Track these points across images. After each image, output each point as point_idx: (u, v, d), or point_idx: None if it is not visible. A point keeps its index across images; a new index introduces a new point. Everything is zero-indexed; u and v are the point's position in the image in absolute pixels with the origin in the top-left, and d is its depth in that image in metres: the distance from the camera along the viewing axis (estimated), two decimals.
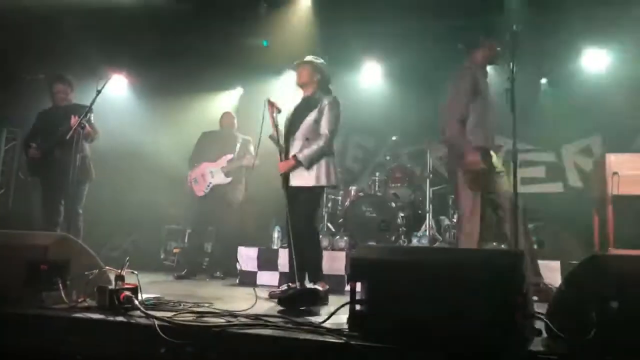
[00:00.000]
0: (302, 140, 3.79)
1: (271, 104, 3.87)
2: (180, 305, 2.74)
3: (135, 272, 2.64)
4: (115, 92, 6.87)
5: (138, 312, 2.38)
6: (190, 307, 2.71)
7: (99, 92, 4.15)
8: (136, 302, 2.45)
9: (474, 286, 1.96)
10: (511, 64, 3.32)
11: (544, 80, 6.87)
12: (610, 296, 1.86)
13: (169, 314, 2.39)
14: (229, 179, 5.35)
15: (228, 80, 7.24)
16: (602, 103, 5.91)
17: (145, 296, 2.68)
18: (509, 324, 1.87)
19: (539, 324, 2.05)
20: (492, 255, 2.09)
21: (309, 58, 4.00)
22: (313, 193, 3.81)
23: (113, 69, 5.10)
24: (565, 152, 6.89)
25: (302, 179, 3.77)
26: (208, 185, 5.35)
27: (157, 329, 2.14)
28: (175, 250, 6.48)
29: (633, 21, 5.34)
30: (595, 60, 6.28)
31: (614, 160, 4.48)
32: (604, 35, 5.96)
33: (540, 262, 4.22)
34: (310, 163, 3.76)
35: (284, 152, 3.85)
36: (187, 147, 5.75)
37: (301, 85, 3.99)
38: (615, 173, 4.39)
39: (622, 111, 5.18)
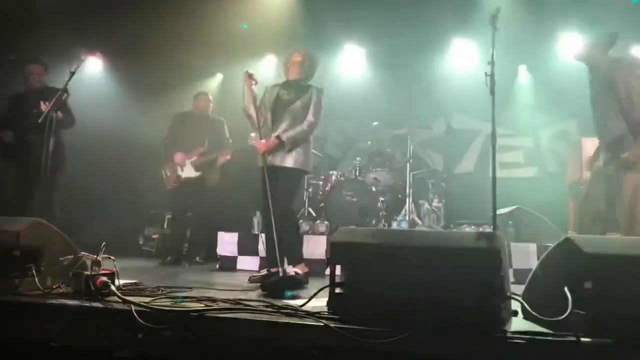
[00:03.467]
0: (288, 123, 3.79)
1: (249, 76, 3.88)
2: (159, 290, 2.72)
3: (112, 257, 2.60)
4: (91, 76, 6.71)
5: (115, 298, 2.34)
6: (168, 292, 2.69)
7: (72, 74, 4.04)
8: (113, 287, 2.40)
9: (451, 268, 1.98)
10: (491, 49, 3.36)
11: (522, 66, 6.93)
12: (584, 277, 1.89)
13: (147, 299, 2.36)
14: (198, 173, 5.35)
15: (207, 64, 7.12)
16: (578, 88, 5.97)
17: (122, 282, 2.65)
18: (487, 305, 1.90)
19: (515, 305, 2.08)
20: (470, 238, 2.11)
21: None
22: (292, 175, 3.81)
23: (87, 51, 4.95)
24: (542, 137, 6.98)
25: (281, 159, 3.77)
26: (177, 178, 5.37)
27: (135, 314, 2.12)
28: (154, 236, 6.43)
29: (608, 7, 5.39)
30: (573, 46, 6.33)
31: (590, 145, 4.55)
32: (581, 21, 6.00)
33: (517, 245, 4.32)
34: (292, 145, 3.76)
35: (258, 128, 3.82)
36: (166, 132, 5.66)
37: (295, 70, 3.91)
38: None
39: None
